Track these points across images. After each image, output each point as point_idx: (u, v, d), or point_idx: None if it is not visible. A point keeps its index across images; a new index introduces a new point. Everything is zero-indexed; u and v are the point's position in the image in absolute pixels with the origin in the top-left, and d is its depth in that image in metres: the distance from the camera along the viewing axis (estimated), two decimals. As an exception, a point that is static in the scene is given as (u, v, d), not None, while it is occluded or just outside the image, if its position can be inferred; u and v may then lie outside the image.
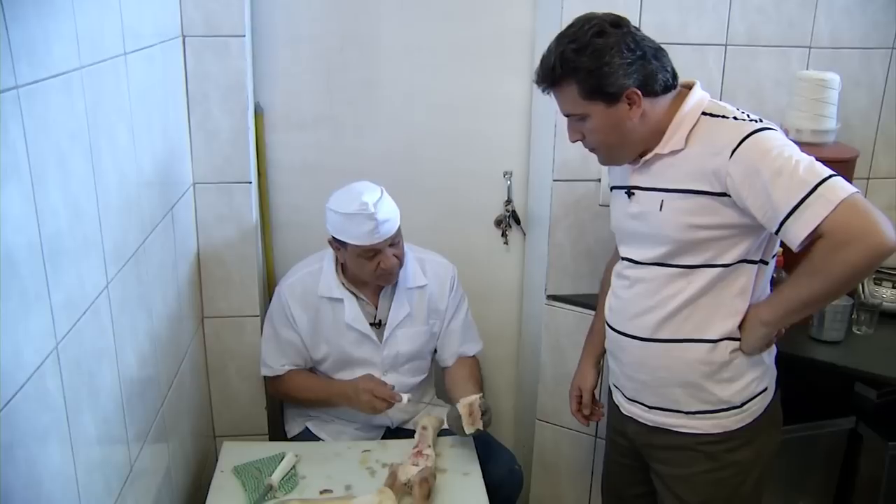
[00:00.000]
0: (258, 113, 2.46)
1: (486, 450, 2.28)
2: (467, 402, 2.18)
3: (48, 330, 1.28)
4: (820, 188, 1.54)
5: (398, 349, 2.34)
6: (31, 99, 1.22)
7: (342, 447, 2.23)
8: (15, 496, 1.14)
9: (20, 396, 1.16)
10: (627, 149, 1.77)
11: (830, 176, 1.56)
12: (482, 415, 2.18)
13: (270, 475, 2.06)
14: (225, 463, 2.17)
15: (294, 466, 2.13)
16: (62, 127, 1.35)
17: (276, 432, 2.57)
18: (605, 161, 1.85)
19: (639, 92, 1.68)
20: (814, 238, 1.56)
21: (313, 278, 2.33)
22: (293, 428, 2.46)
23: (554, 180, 2.40)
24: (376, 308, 2.34)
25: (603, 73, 1.65)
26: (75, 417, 1.37)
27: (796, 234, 1.57)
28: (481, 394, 2.25)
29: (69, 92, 1.38)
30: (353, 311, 2.31)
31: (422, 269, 2.37)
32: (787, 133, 2.14)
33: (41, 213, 1.25)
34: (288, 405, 2.52)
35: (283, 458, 2.13)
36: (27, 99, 1.20)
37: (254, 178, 2.39)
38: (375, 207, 2.13)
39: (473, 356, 2.46)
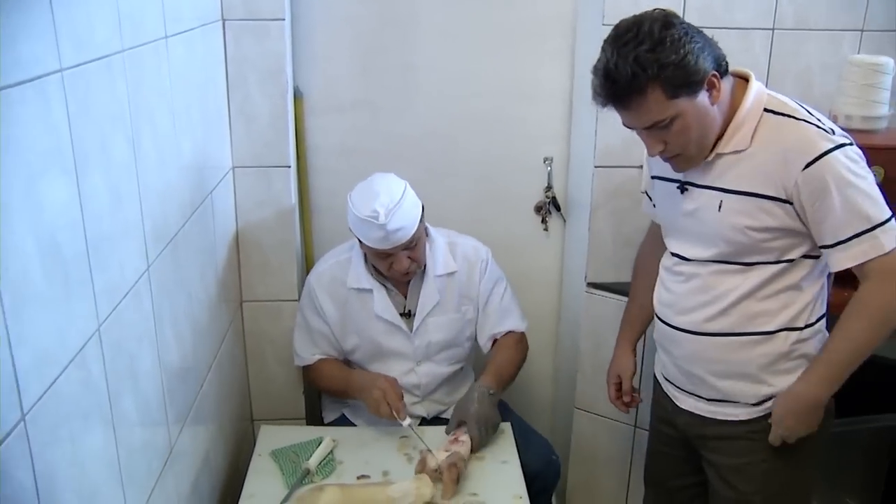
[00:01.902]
0: (297, 96, 2.46)
1: (523, 438, 2.25)
2: (443, 462, 2.01)
3: (90, 312, 1.29)
4: (877, 230, 1.61)
5: (430, 338, 2.32)
6: (75, 82, 1.23)
7: (380, 433, 2.23)
8: (60, 475, 1.17)
9: (63, 378, 1.18)
10: (710, 141, 1.70)
11: (890, 218, 1.62)
12: (481, 431, 2.10)
13: (308, 459, 2.06)
14: (263, 446, 2.18)
15: (331, 451, 2.14)
16: (104, 110, 1.36)
17: (314, 418, 2.59)
18: (684, 166, 1.75)
19: (717, 73, 1.64)
20: (856, 277, 1.64)
21: (342, 268, 2.33)
22: (330, 414, 2.47)
23: (595, 166, 2.37)
24: (406, 297, 2.32)
25: (688, 63, 1.58)
26: (117, 399, 1.39)
27: (840, 262, 1.65)
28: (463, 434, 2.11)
29: (111, 75, 1.39)
30: (382, 302, 2.29)
31: (453, 254, 2.33)
32: (835, 120, 2.11)
33: (84, 197, 1.26)
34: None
35: (320, 442, 2.14)
36: (71, 82, 1.22)
37: (293, 161, 2.39)
38: (387, 217, 2.07)
39: (509, 332, 2.36)
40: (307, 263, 2.61)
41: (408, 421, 2.14)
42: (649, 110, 1.62)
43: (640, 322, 2.00)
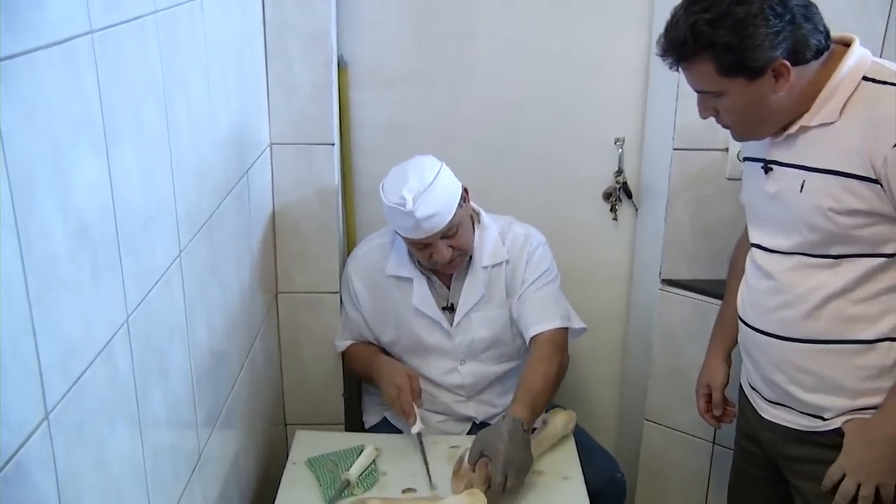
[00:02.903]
0: (342, 67, 2.46)
1: (585, 453, 2.23)
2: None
3: (119, 302, 1.30)
4: None
5: (473, 335, 2.32)
6: (105, 45, 1.23)
7: (427, 442, 2.21)
8: (84, 478, 1.17)
9: (90, 373, 1.18)
10: (769, 125, 1.71)
11: None
12: (502, 476, 1.94)
13: (348, 470, 2.07)
14: (297, 454, 2.19)
15: (374, 461, 2.14)
16: (136, 77, 1.36)
17: (353, 422, 2.60)
18: (739, 138, 1.80)
19: (788, 63, 1.60)
20: None
21: (382, 253, 2.34)
22: (371, 417, 2.48)
23: (674, 149, 2.34)
24: (449, 290, 2.33)
25: (746, 48, 1.57)
26: (144, 397, 1.40)
27: None
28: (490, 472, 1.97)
29: (144, 38, 1.39)
30: (421, 294, 2.30)
31: (504, 241, 2.33)
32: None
33: (114, 173, 1.26)
34: (366, 391, 2.54)
35: (361, 451, 2.14)
36: (101, 45, 1.21)
37: (336, 139, 2.39)
38: (415, 203, 2.06)
39: (543, 334, 2.24)
40: (349, 251, 2.61)
41: (417, 427, 2.17)
42: (695, 78, 1.67)
43: (733, 326, 1.96)
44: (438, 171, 2.14)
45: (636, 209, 2.69)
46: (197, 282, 1.69)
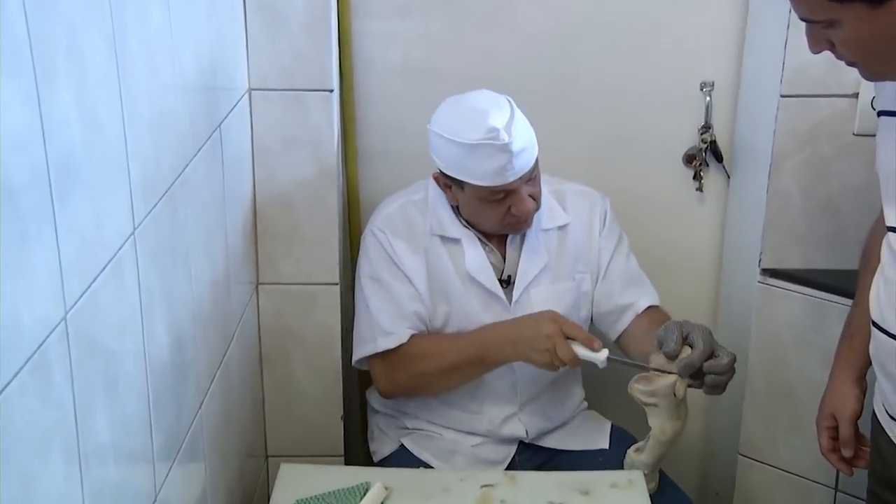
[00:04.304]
0: (343, -10, 2.47)
1: (658, 496, 2.23)
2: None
3: (55, 292, 1.27)
4: None
5: None
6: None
7: (452, 478, 2.20)
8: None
9: (16, 386, 1.15)
10: None
11: None
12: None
13: (349, 515, 2.08)
14: (282, 494, 2.15)
15: (383, 503, 2.11)
16: (75, -3, 1.36)
17: (355, 454, 2.61)
18: (871, 76, 1.77)
19: None
20: None
21: (418, 210, 2.39)
22: (383, 446, 2.48)
23: (782, 96, 2.33)
24: (504, 259, 2.38)
25: None
26: (86, 420, 1.37)
27: None
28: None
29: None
30: (476, 257, 2.34)
31: (560, 203, 2.41)
32: None
33: (47, 123, 1.23)
34: (375, 412, 2.52)
35: (366, 490, 2.11)
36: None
37: (336, 84, 2.38)
38: (509, 134, 2.14)
39: (648, 310, 2.40)
40: (352, 231, 2.62)
41: (604, 353, 2.16)
42: (800, 4, 1.66)
43: (867, 336, 1.93)
44: (510, 100, 2.23)
45: (728, 176, 2.68)
46: (156, 269, 1.66)
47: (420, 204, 2.38)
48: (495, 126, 2.13)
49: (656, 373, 2.10)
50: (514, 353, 2.23)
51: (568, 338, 2.16)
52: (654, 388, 2.10)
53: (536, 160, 2.24)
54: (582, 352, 2.16)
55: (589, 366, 2.20)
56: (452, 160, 2.20)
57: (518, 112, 2.21)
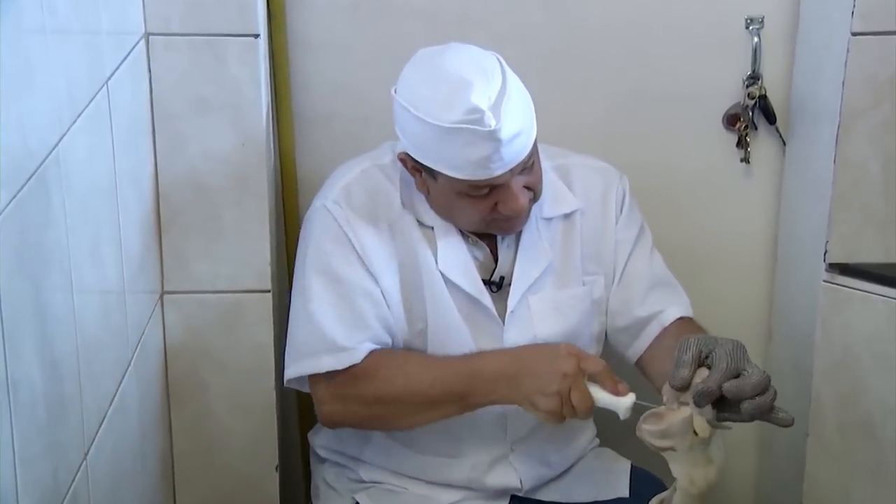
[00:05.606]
0: None
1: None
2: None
3: None
4: None
5: (535, 331, 2.26)
6: None
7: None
8: None
9: None
10: None
11: None
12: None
13: None
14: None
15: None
16: None
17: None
18: None
19: None
20: None
21: (386, 177, 2.28)
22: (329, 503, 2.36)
23: (853, 34, 2.30)
24: (494, 256, 2.28)
25: None
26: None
27: None
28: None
29: None
30: (450, 253, 2.24)
31: (566, 182, 2.33)
32: None
33: None
34: (319, 460, 2.46)
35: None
36: None
37: (263, 28, 2.35)
38: (497, 116, 2.01)
39: (682, 320, 2.31)
40: (287, 219, 2.62)
41: (630, 399, 2.04)
42: None
43: None
44: (500, 62, 2.10)
45: (784, 142, 2.66)
46: (22, 275, 1.58)
47: (389, 169, 2.27)
48: (479, 106, 2.01)
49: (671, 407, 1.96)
50: (510, 394, 2.10)
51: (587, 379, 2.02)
52: (665, 426, 1.95)
53: (535, 145, 2.13)
54: (602, 397, 2.03)
55: (604, 413, 2.08)
56: (421, 143, 2.09)
57: (512, 80, 2.09)
